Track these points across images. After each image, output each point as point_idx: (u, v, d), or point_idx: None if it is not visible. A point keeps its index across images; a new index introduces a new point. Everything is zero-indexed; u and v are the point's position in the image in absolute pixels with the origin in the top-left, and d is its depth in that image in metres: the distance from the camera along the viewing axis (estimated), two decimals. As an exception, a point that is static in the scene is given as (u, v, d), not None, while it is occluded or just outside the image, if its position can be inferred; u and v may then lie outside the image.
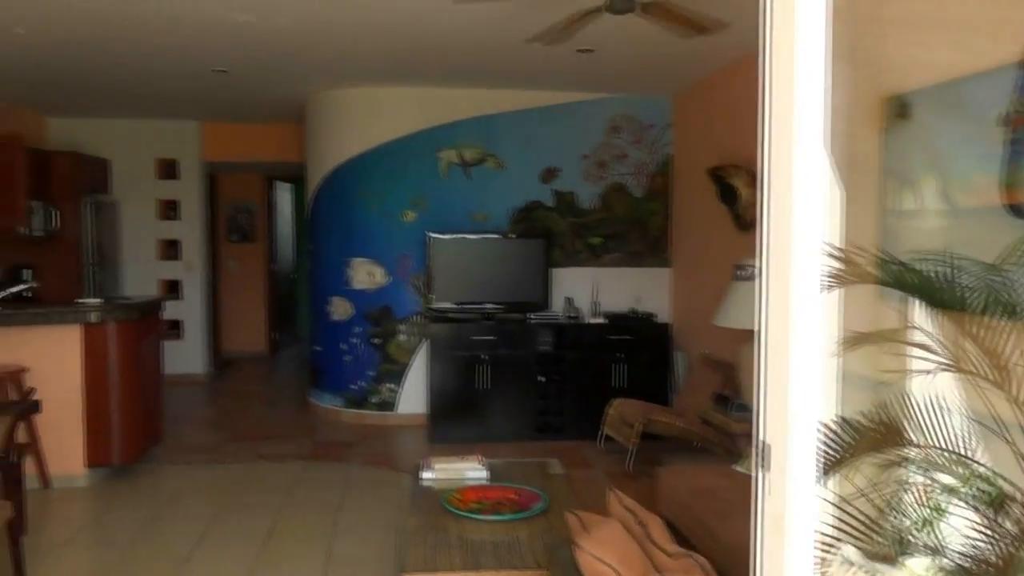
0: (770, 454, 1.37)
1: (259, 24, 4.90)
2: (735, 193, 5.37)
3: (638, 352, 6.49)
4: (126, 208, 8.81)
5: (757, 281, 1.48)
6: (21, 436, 4.83)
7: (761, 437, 1.41)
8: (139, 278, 8.84)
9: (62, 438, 5.04)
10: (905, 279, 2.26)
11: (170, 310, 8.85)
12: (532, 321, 6.55)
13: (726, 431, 4.76)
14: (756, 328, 1.49)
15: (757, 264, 1.49)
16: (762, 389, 1.43)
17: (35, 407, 4.28)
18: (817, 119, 1.36)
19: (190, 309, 9.01)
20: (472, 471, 3.79)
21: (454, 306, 6.60)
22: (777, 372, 1.41)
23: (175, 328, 9.00)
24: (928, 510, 2.03)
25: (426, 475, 3.76)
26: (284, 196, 11.79)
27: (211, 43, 5.37)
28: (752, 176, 5.22)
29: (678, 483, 3.73)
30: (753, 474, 1.43)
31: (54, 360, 5.04)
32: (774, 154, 1.42)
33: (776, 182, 1.41)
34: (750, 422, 4.40)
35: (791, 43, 1.36)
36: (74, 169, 7.95)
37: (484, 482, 3.70)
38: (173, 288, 9.01)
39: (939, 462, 2.07)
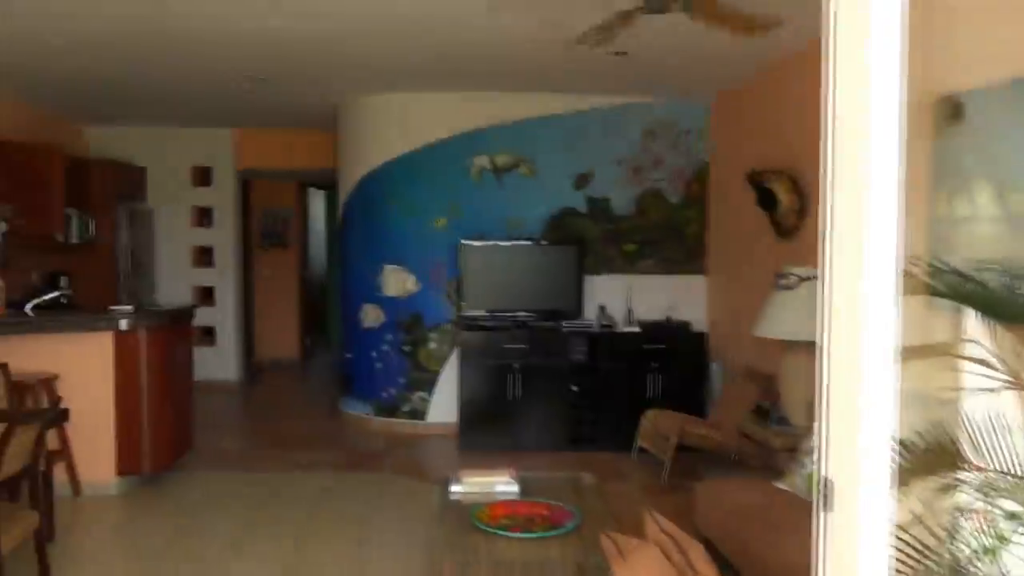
0: (834, 492, 1.23)
1: (291, 29, 4.87)
2: (774, 199, 5.20)
3: (673, 362, 6.34)
4: (161, 215, 8.87)
5: (819, 292, 1.35)
6: (52, 443, 4.84)
7: (823, 472, 1.27)
8: (173, 285, 8.90)
9: (93, 446, 5.04)
10: (963, 290, 2.11)
11: (203, 316, 8.89)
12: (565, 329, 6.43)
13: (766, 445, 4.60)
14: (818, 345, 1.36)
15: (820, 273, 1.36)
16: (824, 416, 1.29)
17: (63, 416, 4.26)
18: (892, 114, 1.23)
19: (223, 315, 9.04)
20: (502, 485, 3.68)
21: (486, 314, 6.51)
22: (844, 397, 1.27)
23: (208, 334, 9.04)
24: (990, 538, 1.89)
25: (455, 488, 3.66)
26: (317, 203, 11.82)
27: (244, 49, 5.36)
28: (793, 181, 5.05)
29: (717, 500, 3.59)
30: (814, 516, 1.29)
31: (85, 367, 5.03)
32: (838, 151, 1.29)
33: (842, 183, 1.28)
34: (791, 436, 4.26)
35: (862, 29, 1.23)
36: (111, 177, 8.02)
37: (515, 496, 3.59)
38: (207, 294, 9.06)
39: (1001, 486, 1.93)
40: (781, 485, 3.66)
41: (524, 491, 3.68)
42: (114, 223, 8.08)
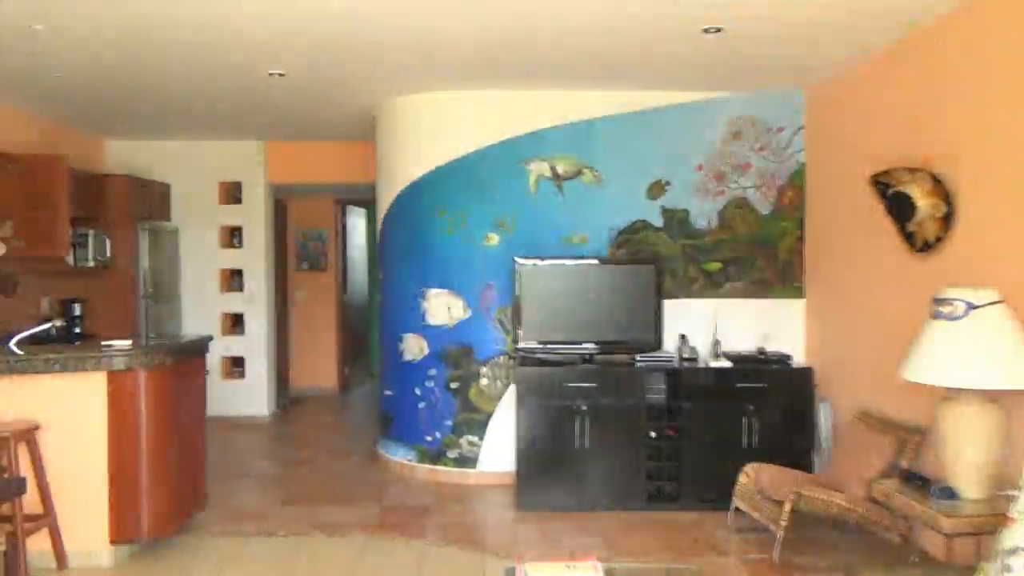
0: None
1: (316, 7, 4.03)
2: (911, 204, 4.18)
3: (770, 403, 5.30)
4: (187, 235, 8.17)
5: None
6: (32, 507, 4.03)
7: None
8: (200, 312, 8.17)
9: (82, 508, 4.21)
10: None
11: (233, 346, 8.15)
12: (640, 364, 5.45)
13: (924, 522, 3.55)
14: None
15: None
16: None
17: (15, 488, 3.41)
18: None
19: (254, 344, 8.25)
20: (585, 587, 2.73)
21: (546, 346, 5.57)
22: None
23: (238, 366, 8.27)
24: None
25: (521, 593, 2.72)
26: (357, 221, 11.06)
27: (264, 37, 4.55)
28: (937, 181, 4.02)
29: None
30: None
31: (73, 415, 4.22)
32: None
33: None
34: (966, 517, 3.19)
35: None
36: (131, 194, 7.35)
37: (603, 607, 2.65)
38: (237, 321, 8.29)
39: None
40: (972, 593, 2.63)
41: (612, 593, 2.74)
42: (134, 244, 7.39)
